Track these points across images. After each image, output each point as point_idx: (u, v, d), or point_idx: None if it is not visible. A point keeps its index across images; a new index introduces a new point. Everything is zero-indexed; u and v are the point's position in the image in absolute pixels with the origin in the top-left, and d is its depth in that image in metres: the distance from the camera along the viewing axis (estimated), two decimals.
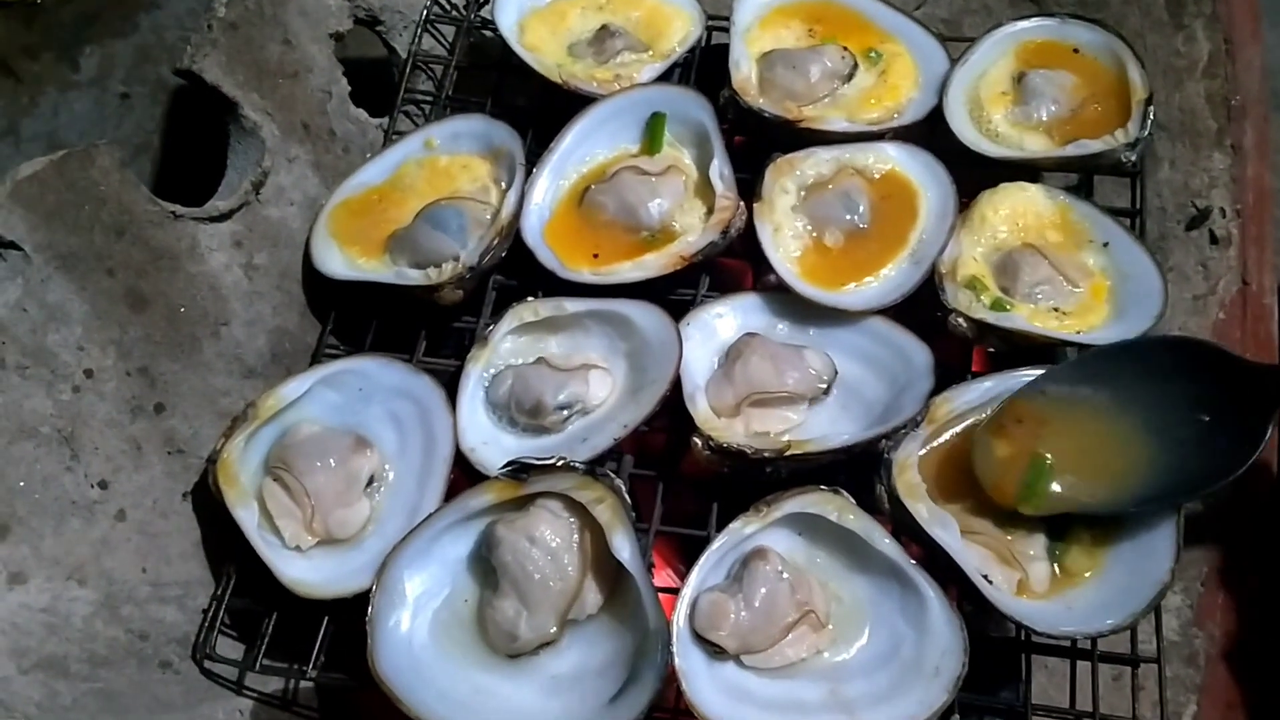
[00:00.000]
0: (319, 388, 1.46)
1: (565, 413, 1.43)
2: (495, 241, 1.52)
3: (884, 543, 1.28)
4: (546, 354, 1.50)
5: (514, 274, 1.59)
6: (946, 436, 1.40)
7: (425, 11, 1.88)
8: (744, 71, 1.69)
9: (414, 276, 1.53)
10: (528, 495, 1.29)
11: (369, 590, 1.24)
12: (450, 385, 1.45)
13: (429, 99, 1.85)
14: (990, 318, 1.44)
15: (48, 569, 1.29)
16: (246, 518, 1.37)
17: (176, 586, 1.41)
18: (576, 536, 1.28)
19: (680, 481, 1.46)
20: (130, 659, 1.33)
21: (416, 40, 1.86)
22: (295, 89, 1.70)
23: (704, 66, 1.79)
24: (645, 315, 1.46)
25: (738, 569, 1.30)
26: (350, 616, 1.27)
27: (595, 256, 1.54)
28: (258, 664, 1.37)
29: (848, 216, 1.55)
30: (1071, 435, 1.33)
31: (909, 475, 1.34)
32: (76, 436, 1.34)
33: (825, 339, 1.49)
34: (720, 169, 1.57)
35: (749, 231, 1.54)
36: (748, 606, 1.24)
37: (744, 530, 1.30)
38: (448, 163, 1.67)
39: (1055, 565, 1.31)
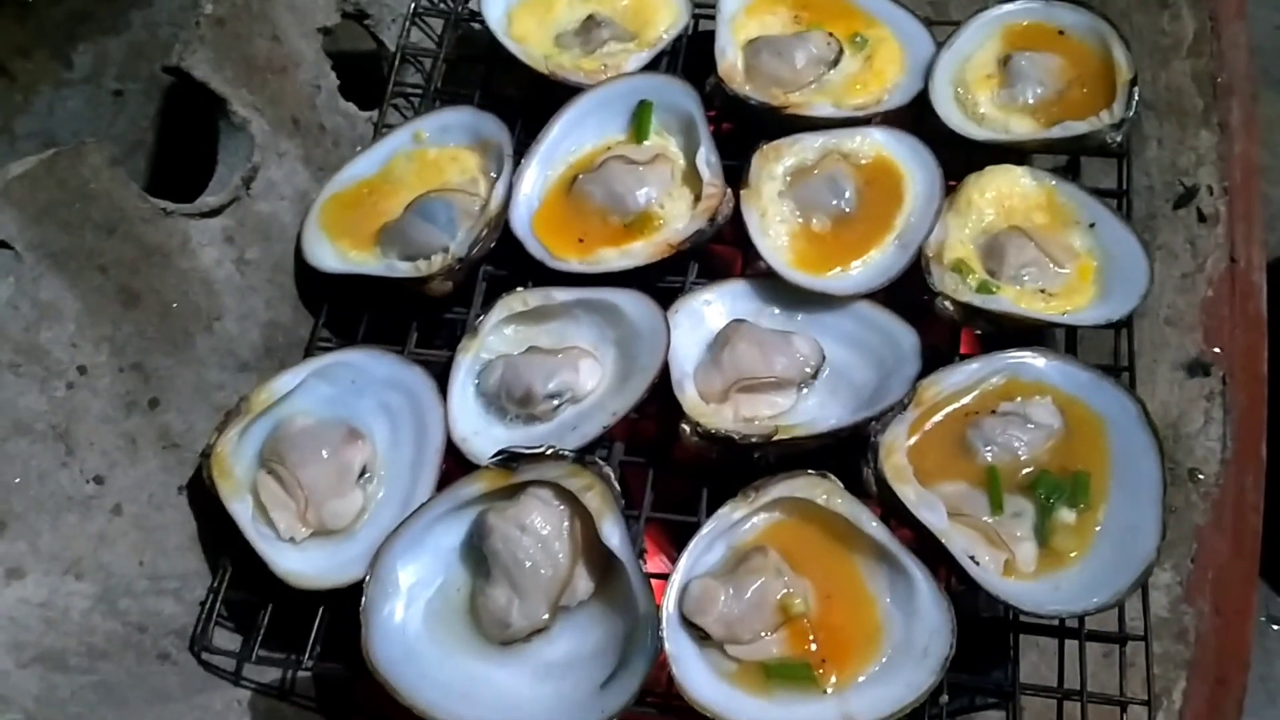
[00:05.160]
0: (312, 380, 1.47)
1: (555, 401, 1.44)
2: (484, 233, 1.53)
3: (871, 525, 1.29)
4: (536, 343, 1.50)
5: (503, 264, 1.60)
6: (934, 419, 1.41)
7: (413, 4, 1.89)
8: (730, 59, 1.69)
9: (404, 269, 1.54)
10: (518, 484, 1.30)
11: (363, 580, 1.24)
12: (441, 376, 1.46)
13: (418, 92, 1.86)
14: (977, 300, 1.45)
15: (45, 564, 1.30)
16: (241, 510, 1.38)
17: (173, 579, 1.42)
18: (567, 524, 1.29)
19: (670, 468, 1.47)
20: (128, 651, 1.34)
21: (404, 33, 1.87)
22: (284, 84, 1.70)
23: (690, 54, 1.79)
24: (634, 304, 1.47)
25: (732, 559, 1.31)
26: (345, 607, 1.28)
27: (581, 241, 1.55)
28: (254, 655, 1.39)
29: (834, 202, 1.56)
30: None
31: (896, 458, 1.34)
32: (71, 433, 1.35)
33: (813, 324, 1.50)
34: (707, 156, 1.58)
35: (736, 218, 1.55)
36: (737, 596, 1.25)
37: (732, 515, 1.31)
38: (437, 155, 1.68)
39: (1042, 546, 1.32)
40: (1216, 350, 1.63)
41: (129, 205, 1.46)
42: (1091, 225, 1.53)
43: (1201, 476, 1.56)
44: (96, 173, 1.42)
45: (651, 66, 1.72)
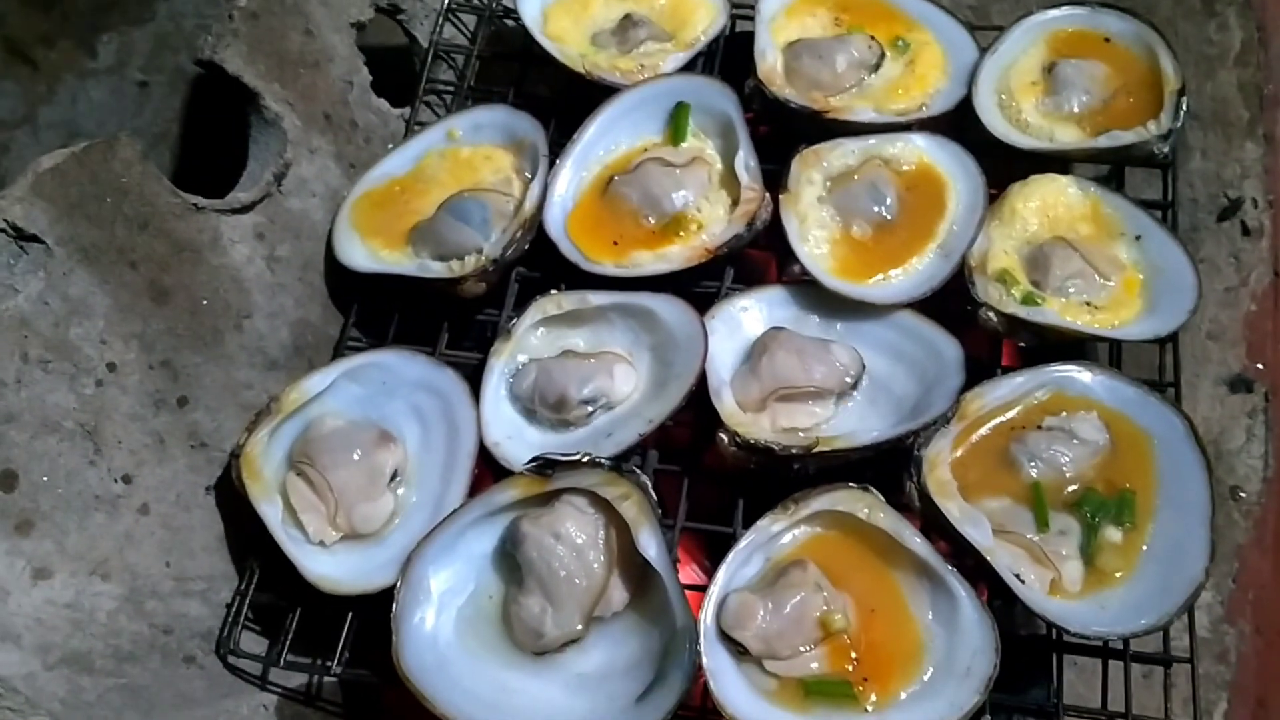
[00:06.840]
0: (342, 381, 1.45)
1: (589, 407, 1.42)
2: (518, 234, 1.51)
3: (914, 541, 1.27)
4: (570, 347, 1.48)
5: (537, 266, 1.57)
6: (978, 433, 1.39)
7: (447, 0, 1.86)
8: (769, 61, 1.67)
9: (436, 269, 1.52)
10: (553, 491, 1.28)
11: (393, 586, 1.23)
12: (473, 379, 1.44)
13: (451, 89, 1.84)
14: (1021, 312, 1.42)
15: (72, 564, 1.28)
16: (270, 512, 1.36)
17: (200, 581, 1.40)
18: (602, 533, 1.27)
19: (705, 476, 1.45)
20: (154, 654, 1.33)
21: (438, 29, 1.85)
22: (317, 79, 1.68)
23: (729, 56, 1.77)
24: (670, 309, 1.45)
25: (770, 573, 1.28)
26: (374, 612, 1.26)
27: (615, 244, 1.53)
28: (281, 659, 1.37)
29: (875, 208, 1.53)
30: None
31: (940, 472, 1.32)
32: (99, 431, 1.33)
33: (853, 333, 1.47)
34: (745, 160, 1.55)
35: (775, 223, 1.52)
36: (776, 611, 1.22)
37: (771, 528, 1.29)
38: (470, 154, 1.66)
39: (1088, 564, 1.29)
40: (1259, 366, 1.61)
41: (160, 200, 1.44)
42: (1137, 237, 1.51)
43: (1243, 495, 1.54)
44: (128, 166, 1.40)
45: (689, 67, 1.70)
